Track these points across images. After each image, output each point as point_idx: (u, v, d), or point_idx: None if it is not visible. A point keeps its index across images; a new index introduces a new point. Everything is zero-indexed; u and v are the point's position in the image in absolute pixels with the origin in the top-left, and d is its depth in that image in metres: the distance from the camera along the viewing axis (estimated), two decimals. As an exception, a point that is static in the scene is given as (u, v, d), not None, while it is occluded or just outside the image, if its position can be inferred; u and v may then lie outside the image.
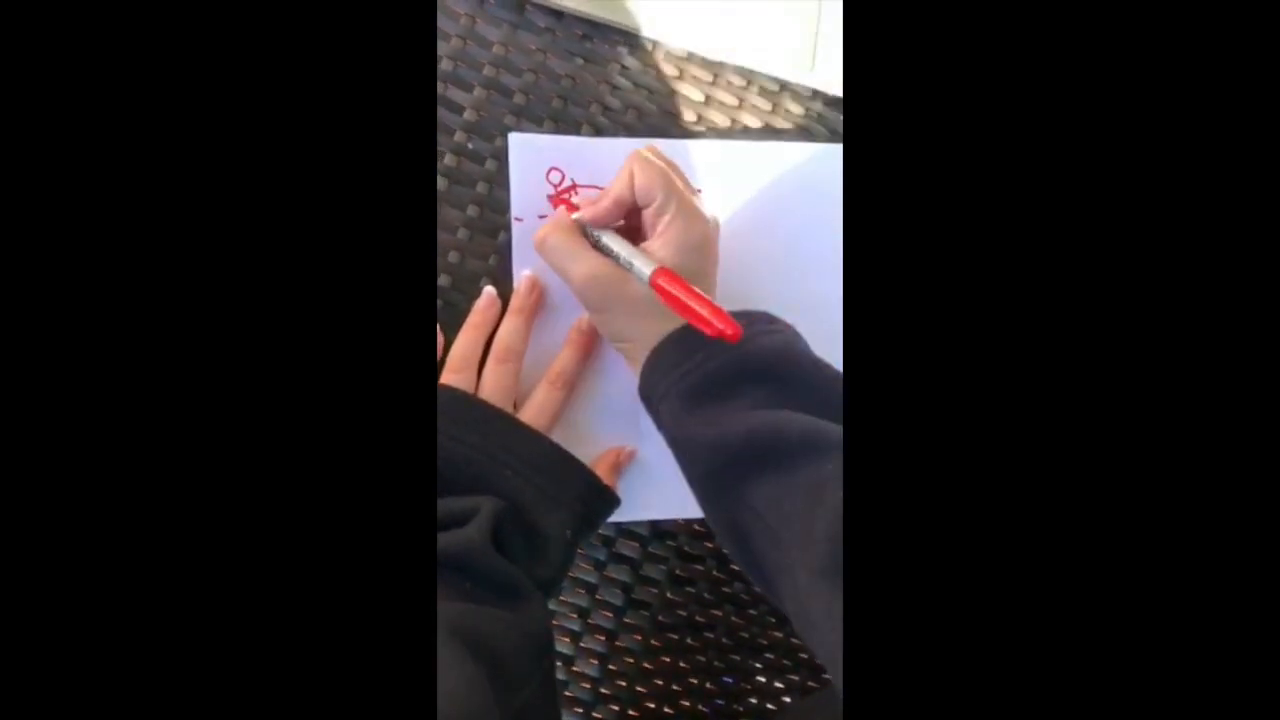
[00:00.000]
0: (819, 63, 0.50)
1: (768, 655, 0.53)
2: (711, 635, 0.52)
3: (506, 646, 0.36)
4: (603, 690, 0.51)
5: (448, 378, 0.44)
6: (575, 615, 0.50)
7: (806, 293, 0.50)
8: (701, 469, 0.41)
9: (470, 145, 0.47)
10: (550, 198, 0.48)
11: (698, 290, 0.39)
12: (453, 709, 0.30)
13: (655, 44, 0.49)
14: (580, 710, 0.50)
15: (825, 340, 0.47)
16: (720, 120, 0.50)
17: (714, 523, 0.43)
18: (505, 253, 0.47)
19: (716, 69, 0.50)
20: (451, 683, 0.32)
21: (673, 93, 0.49)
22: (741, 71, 0.50)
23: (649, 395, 0.43)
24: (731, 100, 0.50)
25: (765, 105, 0.51)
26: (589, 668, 0.51)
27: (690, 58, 0.50)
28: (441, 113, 0.47)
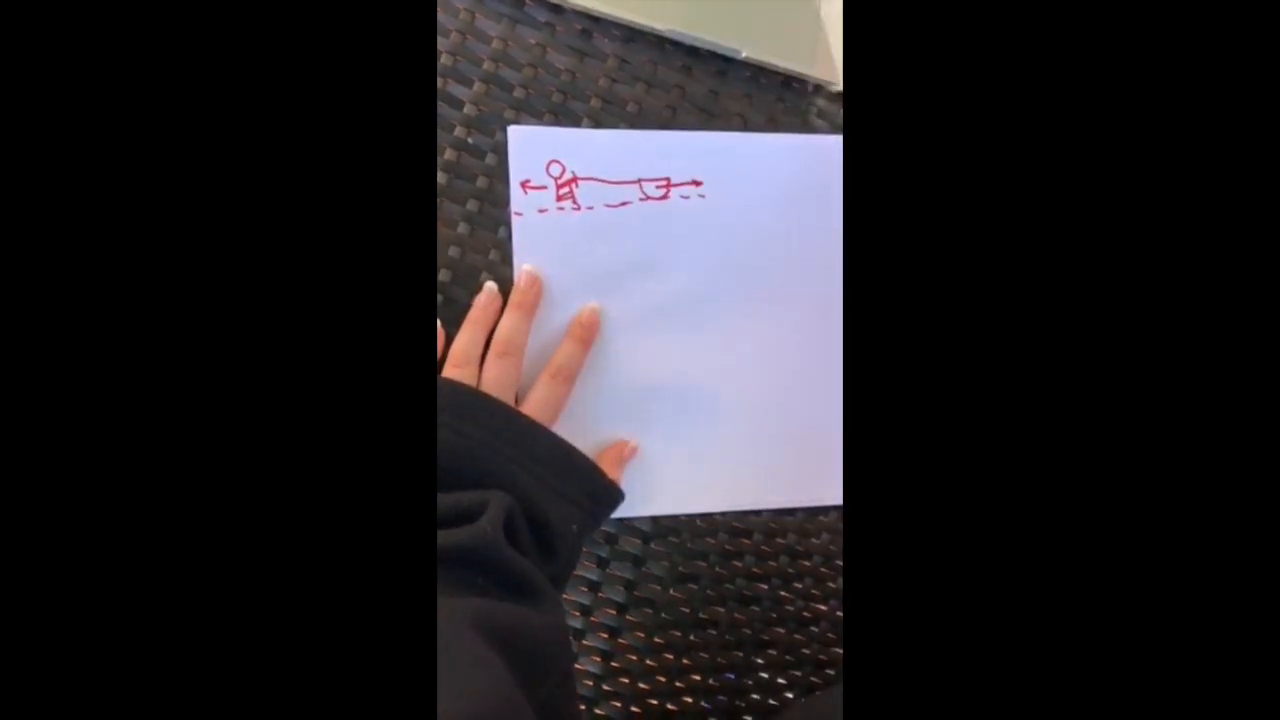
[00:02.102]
0: (823, 57, 0.50)
1: (770, 652, 0.53)
2: (714, 632, 0.52)
3: (527, 640, 0.35)
4: (605, 687, 0.50)
5: (449, 373, 0.44)
6: (578, 612, 0.50)
7: (811, 287, 0.50)
8: None
9: (470, 140, 0.47)
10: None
11: None
12: (487, 702, 0.30)
13: (656, 37, 0.49)
14: (583, 707, 0.50)
15: (826, 335, 0.47)
16: (723, 113, 0.50)
17: None
18: (506, 247, 0.47)
19: (720, 62, 0.50)
20: (481, 676, 0.31)
21: (675, 86, 0.49)
22: (746, 64, 0.50)
23: None
24: (735, 93, 0.50)
25: (769, 98, 0.51)
26: (592, 664, 0.50)
27: (693, 51, 0.49)
28: (441, 107, 0.47)
